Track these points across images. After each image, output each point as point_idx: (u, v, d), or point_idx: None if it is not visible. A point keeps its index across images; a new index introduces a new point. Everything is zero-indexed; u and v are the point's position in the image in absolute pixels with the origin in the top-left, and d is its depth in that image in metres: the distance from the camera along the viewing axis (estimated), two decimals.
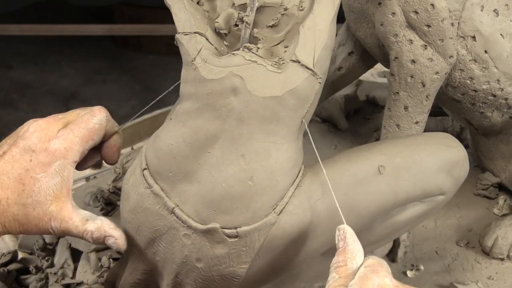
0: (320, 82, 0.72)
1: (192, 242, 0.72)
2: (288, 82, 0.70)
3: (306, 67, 0.71)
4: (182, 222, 0.72)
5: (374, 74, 1.78)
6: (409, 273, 1.02)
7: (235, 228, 0.70)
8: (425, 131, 1.02)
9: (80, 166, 0.83)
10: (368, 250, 0.86)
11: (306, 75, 0.71)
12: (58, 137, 0.78)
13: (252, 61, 0.71)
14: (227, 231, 0.71)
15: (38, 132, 0.79)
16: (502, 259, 1.04)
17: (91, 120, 0.80)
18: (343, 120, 1.39)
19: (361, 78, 1.59)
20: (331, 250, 0.78)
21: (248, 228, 0.70)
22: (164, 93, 0.86)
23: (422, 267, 1.03)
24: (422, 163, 0.76)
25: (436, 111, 1.33)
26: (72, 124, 0.80)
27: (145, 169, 0.76)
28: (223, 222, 0.71)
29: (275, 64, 0.71)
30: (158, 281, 0.79)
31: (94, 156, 0.85)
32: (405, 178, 0.75)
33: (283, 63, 0.71)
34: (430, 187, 0.77)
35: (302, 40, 0.71)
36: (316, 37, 0.71)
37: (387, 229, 0.80)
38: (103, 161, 0.87)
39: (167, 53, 4.11)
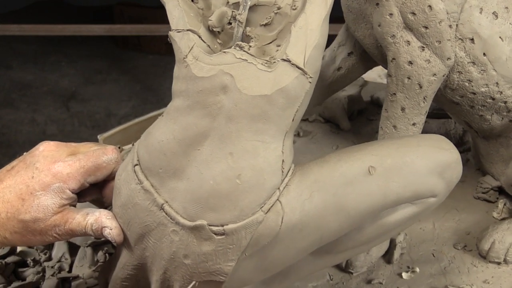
0: (310, 82, 0.72)
1: (180, 238, 0.73)
2: (277, 81, 0.70)
3: (297, 66, 0.71)
4: (170, 218, 0.73)
5: (381, 75, 1.78)
6: (404, 274, 1.02)
7: (222, 225, 0.71)
8: (427, 133, 1.02)
9: (78, 198, 0.84)
10: (359, 251, 0.86)
11: (296, 74, 0.71)
12: (65, 162, 0.80)
13: (243, 59, 0.71)
14: (214, 228, 0.71)
15: (46, 152, 0.81)
16: (498, 263, 1.03)
17: (101, 157, 0.82)
18: (345, 121, 1.38)
19: (367, 79, 1.60)
20: (320, 250, 0.79)
21: (235, 226, 0.70)
22: None
23: (417, 269, 1.02)
24: (413, 164, 0.76)
25: (439, 114, 1.32)
26: (82, 154, 0.82)
27: (136, 165, 0.76)
28: (210, 219, 0.71)
29: (265, 63, 0.71)
30: (148, 276, 0.80)
31: (94, 192, 0.87)
32: (396, 180, 0.75)
33: (274, 62, 0.71)
34: (421, 189, 0.77)
35: (294, 39, 0.71)
36: (308, 37, 0.71)
37: (377, 230, 0.80)
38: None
39: (167, 53, 4.14)
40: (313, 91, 1.15)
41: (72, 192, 0.80)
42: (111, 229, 0.78)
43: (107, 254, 1.06)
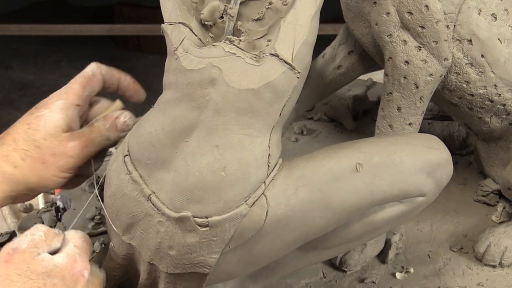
0: (298, 77, 0.72)
1: (165, 229, 0.73)
2: (265, 76, 0.71)
3: (284, 61, 0.71)
4: (157, 209, 0.73)
5: None
6: (398, 275, 1.02)
7: (206, 217, 0.71)
8: (431, 134, 1.02)
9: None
10: (346, 248, 0.86)
11: (283, 69, 0.71)
12: (59, 90, 0.85)
13: (231, 53, 0.72)
14: (198, 220, 0.71)
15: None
16: (494, 266, 1.03)
17: (84, 71, 0.87)
18: (349, 120, 1.38)
19: (375, 79, 1.60)
20: (307, 246, 0.79)
21: (219, 218, 0.71)
22: None
23: (412, 270, 1.02)
24: (401, 163, 0.76)
25: (443, 116, 1.32)
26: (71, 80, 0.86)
27: (126, 155, 0.77)
28: (195, 211, 0.71)
29: (254, 57, 0.72)
30: (137, 266, 0.81)
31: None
32: (383, 177, 0.75)
33: (262, 57, 0.72)
34: (409, 188, 0.77)
35: (282, 34, 0.72)
36: (296, 32, 0.72)
37: (364, 228, 0.80)
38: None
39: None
40: (313, 89, 1.17)
41: (76, 110, 0.83)
42: (123, 114, 0.85)
43: (103, 245, 1.06)
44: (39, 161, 0.80)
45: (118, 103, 0.91)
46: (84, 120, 0.89)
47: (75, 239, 0.75)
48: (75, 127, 0.84)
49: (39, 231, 0.73)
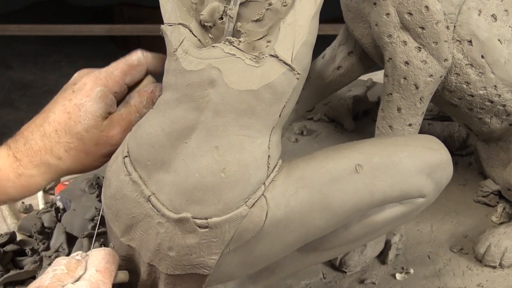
0: (298, 78, 0.72)
1: (165, 230, 0.73)
2: (264, 77, 0.71)
3: (284, 62, 0.71)
4: (157, 210, 0.73)
5: None
6: (398, 275, 1.02)
7: (206, 218, 0.71)
8: (431, 135, 1.01)
9: None
10: (346, 249, 0.86)
11: (283, 70, 0.71)
12: (99, 70, 0.83)
13: (231, 54, 0.71)
14: (198, 221, 0.71)
15: (79, 74, 0.86)
16: (494, 267, 1.03)
17: (130, 58, 0.85)
18: (349, 120, 1.38)
19: (375, 80, 1.60)
20: (307, 247, 0.79)
21: (219, 219, 0.71)
22: None
23: (412, 271, 1.02)
24: (401, 164, 0.76)
25: (443, 116, 1.32)
26: (112, 63, 0.85)
27: (126, 156, 0.77)
28: (194, 212, 0.71)
29: (254, 58, 0.72)
30: (137, 268, 0.80)
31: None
32: (383, 178, 0.75)
33: (262, 58, 0.72)
34: (409, 189, 0.77)
35: (282, 35, 0.72)
36: (296, 33, 0.72)
37: (364, 229, 0.80)
38: None
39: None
40: (313, 90, 1.17)
41: (114, 96, 0.82)
42: (156, 88, 0.84)
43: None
44: (82, 152, 0.81)
45: (149, 77, 0.89)
46: (121, 99, 0.87)
47: (97, 261, 0.73)
48: (113, 110, 0.84)
49: (60, 265, 0.71)
